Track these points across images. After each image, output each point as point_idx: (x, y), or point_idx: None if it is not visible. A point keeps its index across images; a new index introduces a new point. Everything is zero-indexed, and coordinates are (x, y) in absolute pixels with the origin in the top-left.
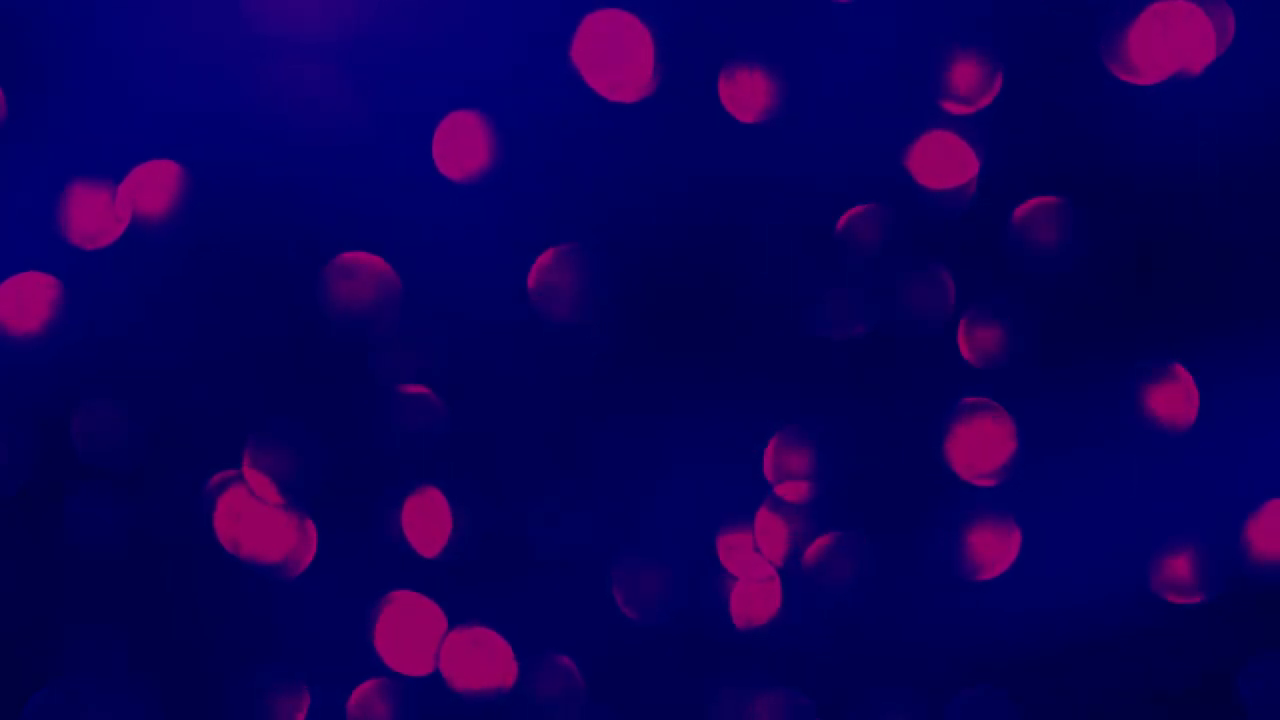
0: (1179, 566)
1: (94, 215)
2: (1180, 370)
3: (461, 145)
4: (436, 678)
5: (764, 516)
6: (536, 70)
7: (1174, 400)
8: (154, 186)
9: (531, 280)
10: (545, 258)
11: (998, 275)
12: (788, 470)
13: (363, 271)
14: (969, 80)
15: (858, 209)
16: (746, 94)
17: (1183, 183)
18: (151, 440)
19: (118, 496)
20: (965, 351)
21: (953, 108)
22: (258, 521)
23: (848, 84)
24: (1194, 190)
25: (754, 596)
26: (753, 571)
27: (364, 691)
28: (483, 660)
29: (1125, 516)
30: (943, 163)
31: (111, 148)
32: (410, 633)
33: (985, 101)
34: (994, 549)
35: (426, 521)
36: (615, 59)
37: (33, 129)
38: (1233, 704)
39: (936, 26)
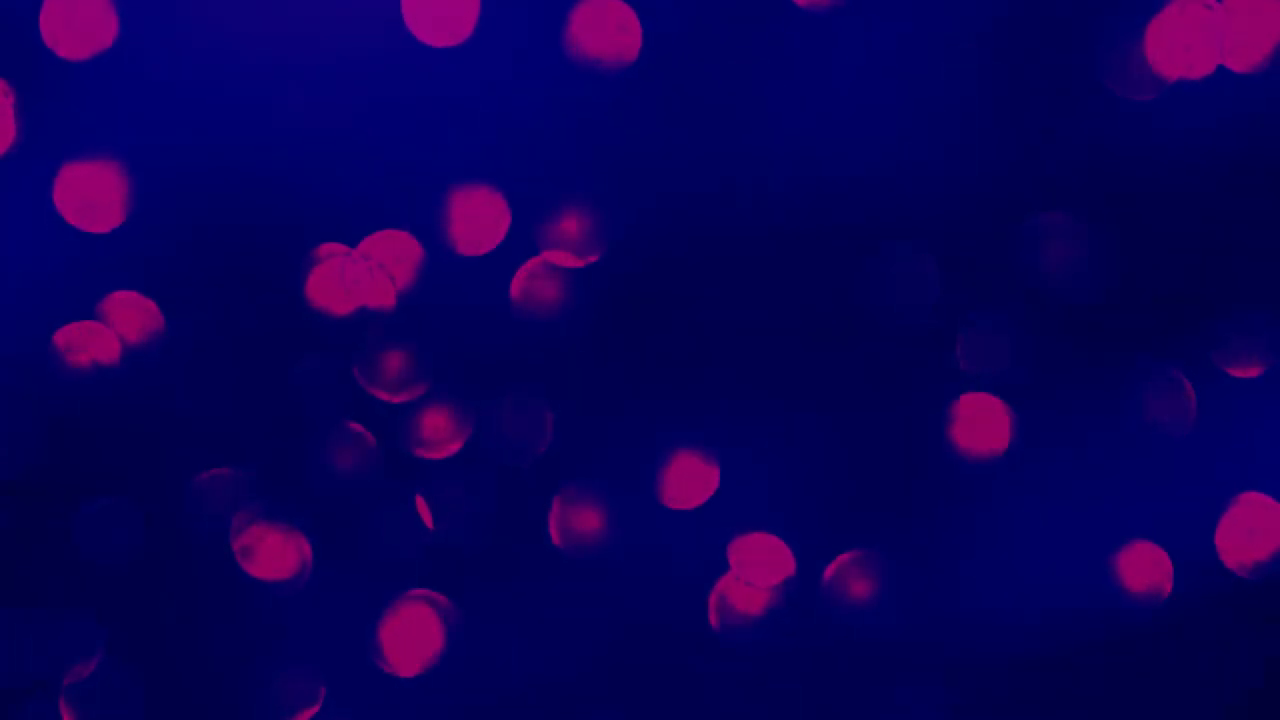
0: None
1: (89, 206)
2: (1178, 375)
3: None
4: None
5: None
6: (529, 67)
7: (1172, 403)
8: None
9: (515, 288)
10: (530, 265)
11: (997, 283)
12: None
13: (354, 272)
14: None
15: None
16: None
17: (1180, 191)
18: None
19: (120, 503)
20: (963, 361)
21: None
22: (264, 540)
23: (846, 87)
24: (1191, 198)
25: (756, 599)
26: (758, 577)
27: None
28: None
29: (1124, 517)
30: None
31: (108, 144)
32: (409, 634)
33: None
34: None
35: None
36: (607, 52)
37: (29, 124)
38: (1230, 702)
39: (936, 34)
